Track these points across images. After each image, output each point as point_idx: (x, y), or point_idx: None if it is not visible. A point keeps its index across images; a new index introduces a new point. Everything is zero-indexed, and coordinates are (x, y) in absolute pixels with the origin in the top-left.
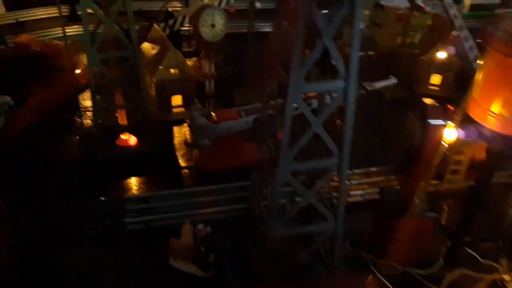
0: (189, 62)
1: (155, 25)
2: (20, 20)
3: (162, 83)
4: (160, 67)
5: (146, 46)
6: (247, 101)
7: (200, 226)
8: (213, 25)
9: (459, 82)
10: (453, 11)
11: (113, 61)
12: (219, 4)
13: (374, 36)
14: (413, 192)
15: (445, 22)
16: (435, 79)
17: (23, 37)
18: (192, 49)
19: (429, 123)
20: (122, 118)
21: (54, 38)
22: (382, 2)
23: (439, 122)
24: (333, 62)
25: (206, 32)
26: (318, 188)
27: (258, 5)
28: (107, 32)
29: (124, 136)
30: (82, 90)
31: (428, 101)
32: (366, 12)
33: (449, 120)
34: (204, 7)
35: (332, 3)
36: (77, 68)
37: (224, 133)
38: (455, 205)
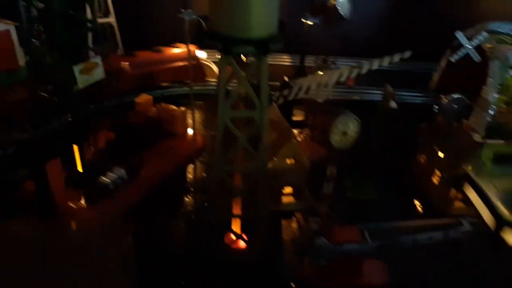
0: (299, 137)
1: (274, 105)
2: None
3: (275, 173)
4: (276, 158)
5: None
6: (360, 195)
7: None
8: (344, 133)
9: None
10: None
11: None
12: (339, 78)
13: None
14: None
15: None
16: None
17: (142, 98)
18: (303, 119)
19: None
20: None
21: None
22: None
23: None
24: None
25: (336, 139)
26: None
27: (393, 104)
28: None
29: (233, 236)
30: (193, 159)
31: None
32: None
33: None
34: (338, 114)
35: None
36: (190, 132)
37: (343, 257)
38: None
